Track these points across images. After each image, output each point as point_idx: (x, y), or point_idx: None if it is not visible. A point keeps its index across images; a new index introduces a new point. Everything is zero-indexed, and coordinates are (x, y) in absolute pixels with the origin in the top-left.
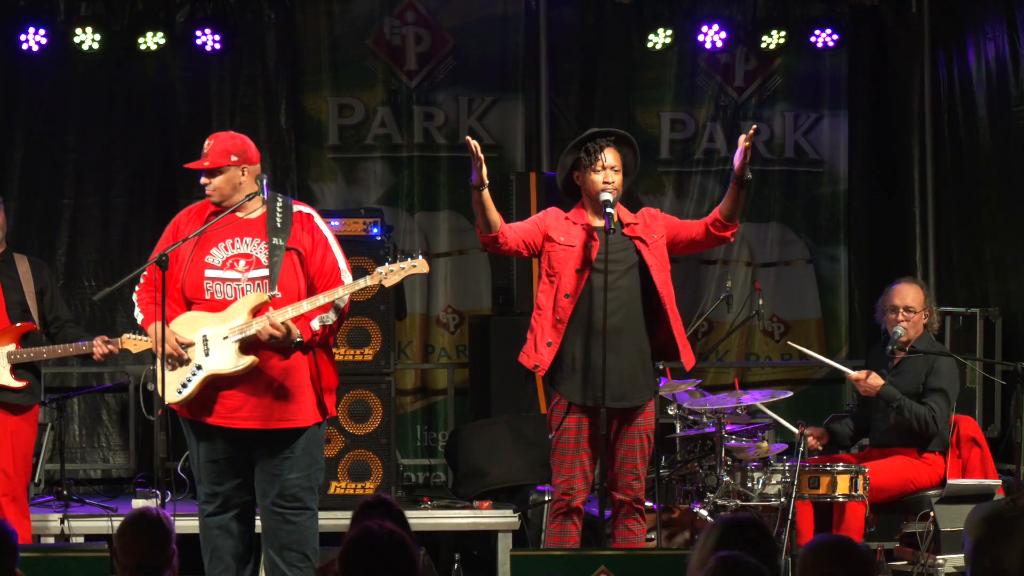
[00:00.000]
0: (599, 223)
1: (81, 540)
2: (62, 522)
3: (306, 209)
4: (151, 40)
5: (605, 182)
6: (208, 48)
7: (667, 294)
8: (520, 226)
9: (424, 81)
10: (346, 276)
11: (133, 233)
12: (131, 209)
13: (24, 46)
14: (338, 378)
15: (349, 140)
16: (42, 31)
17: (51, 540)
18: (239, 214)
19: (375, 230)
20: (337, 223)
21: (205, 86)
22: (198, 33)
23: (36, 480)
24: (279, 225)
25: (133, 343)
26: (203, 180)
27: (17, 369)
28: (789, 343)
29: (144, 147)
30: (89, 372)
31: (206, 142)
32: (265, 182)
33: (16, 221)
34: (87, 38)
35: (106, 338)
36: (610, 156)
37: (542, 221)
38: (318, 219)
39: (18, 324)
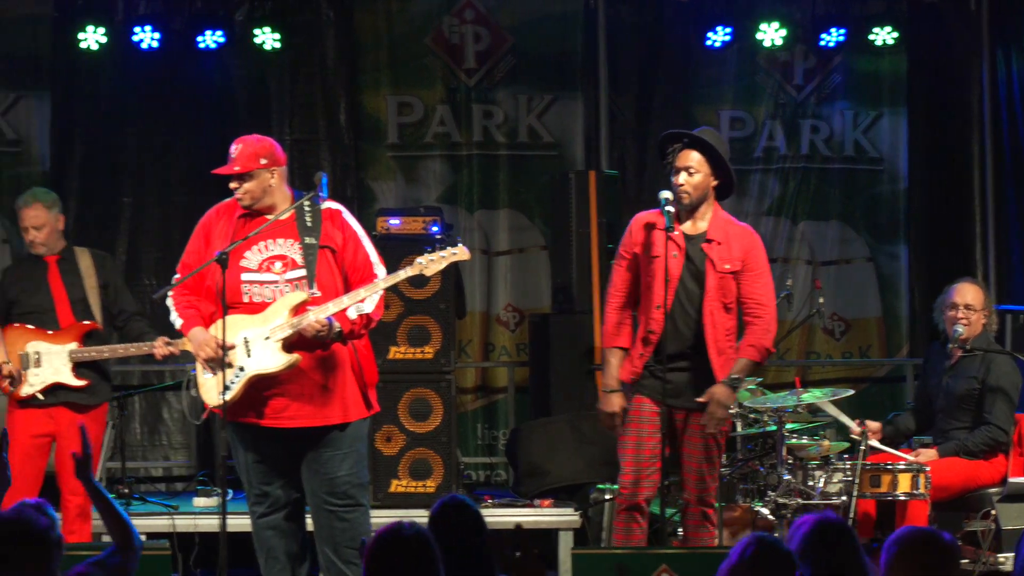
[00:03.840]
0: (685, 226)
1: (143, 539)
2: None
3: (334, 205)
4: (210, 39)
5: (677, 184)
6: (267, 47)
7: (710, 324)
8: (622, 289)
9: (483, 79)
10: (379, 269)
11: (192, 232)
12: (190, 207)
13: (83, 44)
14: (378, 374)
15: (408, 138)
16: (101, 30)
17: None
18: (269, 216)
19: (435, 228)
20: (397, 221)
21: (264, 85)
22: (257, 32)
23: (98, 478)
24: (309, 224)
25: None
26: (233, 185)
27: (80, 368)
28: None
29: (203, 146)
30: (150, 370)
31: (232, 146)
32: (325, 181)
33: (76, 219)
34: (146, 36)
35: (167, 339)
36: (683, 158)
37: (627, 255)
38: (347, 214)
39: (89, 322)
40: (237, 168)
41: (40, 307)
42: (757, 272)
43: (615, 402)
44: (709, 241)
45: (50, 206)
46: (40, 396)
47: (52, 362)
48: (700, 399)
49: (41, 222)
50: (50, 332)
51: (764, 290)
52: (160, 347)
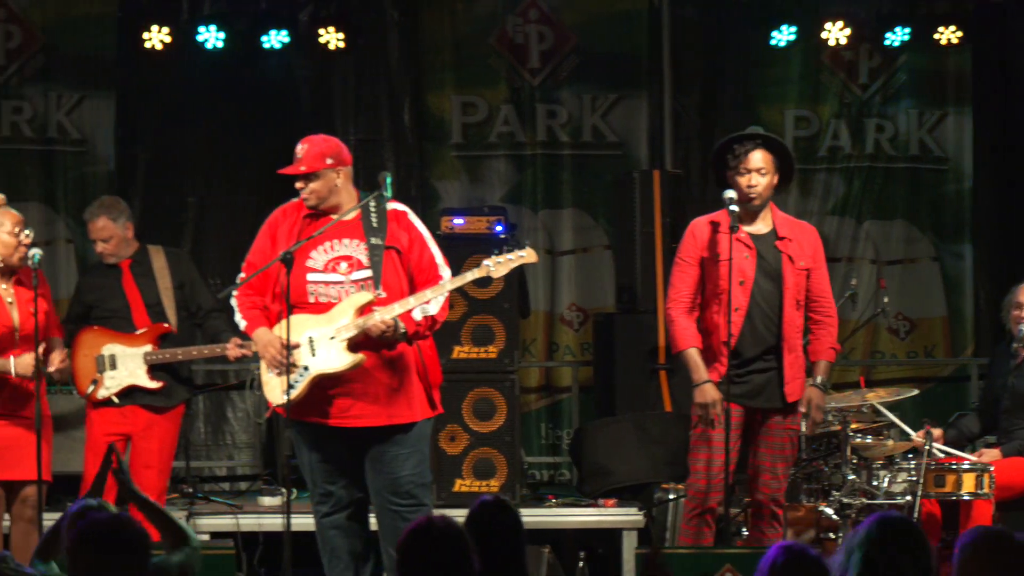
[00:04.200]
0: (749, 227)
1: (207, 537)
2: (188, 519)
3: (400, 207)
4: (274, 39)
5: (749, 185)
6: (331, 47)
7: (789, 322)
8: (690, 292)
9: (547, 79)
10: (444, 271)
11: (258, 231)
12: (256, 207)
13: (148, 44)
14: (442, 374)
15: (473, 138)
16: (166, 29)
17: None
18: (334, 216)
19: (499, 228)
20: (461, 221)
21: (328, 85)
22: (321, 32)
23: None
24: (375, 224)
25: None
26: (299, 184)
27: (155, 370)
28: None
29: (268, 146)
30: (214, 370)
31: (298, 146)
32: (390, 181)
33: (141, 218)
34: (211, 36)
35: (240, 340)
36: (754, 159)
37: (693, 259)
38: (412, 216)
39: (163, 325)
40: (303, 168)
41: (116, 311)
42: (824, 269)
43: (711, 392)
44: (782, 238)
45: (116, 217)
46: (115, 399)
47: (127, 364)
48: (802, 409)
49: (108, 234)
50: (126, 335)
51: (829, 287)
52: (233, 349)
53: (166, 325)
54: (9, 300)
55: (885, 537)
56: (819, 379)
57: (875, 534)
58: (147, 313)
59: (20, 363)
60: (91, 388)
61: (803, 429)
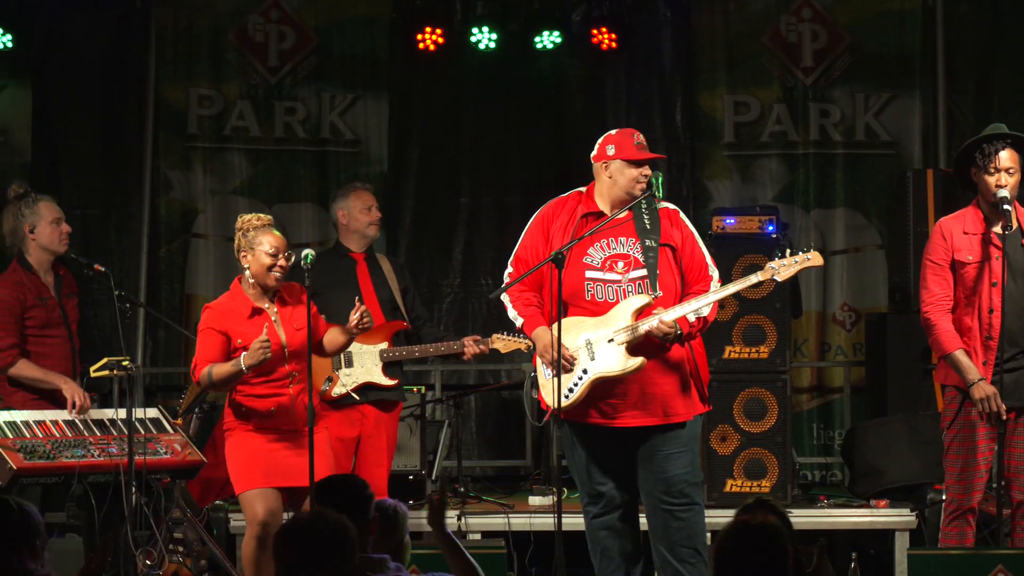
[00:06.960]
0: (996, 227)
1: (478, 537)
2: (459, 519)
3: (671, 206)
4: (547, 39)
5: (998, 185)
6: (603, 47)
7: None
8: (948, 294)
9: (820, 78)
10: (712, 271)
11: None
12: (526, 208)
13: (421, 45)
14: (713, 373)
15: (745, 137)
16: (439, 30)
17: None
18: (608, 214)
19: (770, 227)
20: (732, 220)
21: (600, 84)
22: (594, 32)
23: (434, 477)
24: (648, 225)
25: (503, 343)
26: (646, 171)
27: (387, 367)
28: None
29: (539, 146)
30: (486, 369)
31: (637, 135)
32: (661, 181)
33: (412, 219)
34: (484, 37)
35: (478, 337)
36: (1005, 158)
37: (945, 261)
38: (683, 215)
39: (401, 322)
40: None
41: (349, 303)
42: None
43: (987, 387)
44: None
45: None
46: (355, 396)
47: (363, 362)
48: None
49: (376, 205)
50: None
51: None
52: (471, 346)
53: (403, 322)
54: (274, 318)
55: None
56: None
57: None
58: (381, 310)
59: (248, 356)
60: (326, 386)
61: None
